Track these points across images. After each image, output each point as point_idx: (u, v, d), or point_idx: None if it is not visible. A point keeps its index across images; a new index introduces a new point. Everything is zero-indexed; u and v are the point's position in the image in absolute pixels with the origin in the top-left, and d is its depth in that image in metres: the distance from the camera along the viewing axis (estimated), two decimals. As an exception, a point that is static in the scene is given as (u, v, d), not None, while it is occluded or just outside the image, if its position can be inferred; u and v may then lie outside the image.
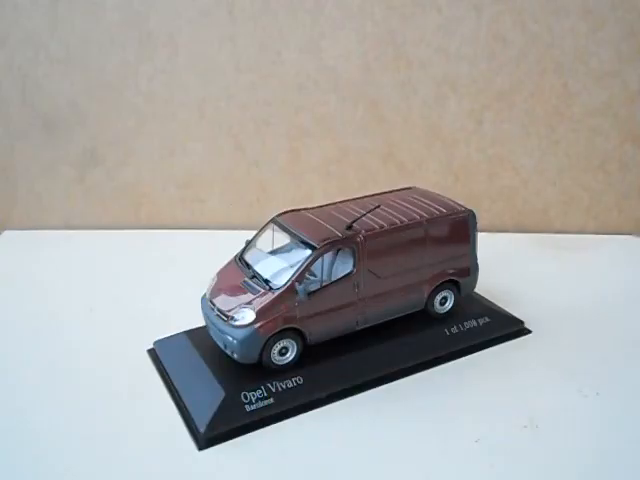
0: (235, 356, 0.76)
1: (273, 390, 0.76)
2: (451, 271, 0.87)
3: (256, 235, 0.87)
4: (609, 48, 1.23)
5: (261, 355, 0.75)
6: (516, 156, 1.31)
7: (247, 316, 0.74)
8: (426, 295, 0.86)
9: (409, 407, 0.78)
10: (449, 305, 0.90)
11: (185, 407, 0.75)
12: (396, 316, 0.85)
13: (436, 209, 0.86)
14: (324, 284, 0.77)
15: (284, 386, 0.77)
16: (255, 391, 0.75)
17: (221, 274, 0.84)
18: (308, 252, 0.76)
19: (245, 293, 0.77)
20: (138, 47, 1.27)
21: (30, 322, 0.99)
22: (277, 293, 0.74)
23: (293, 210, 0.87)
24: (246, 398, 0.74)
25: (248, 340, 0.74)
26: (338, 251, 0.79)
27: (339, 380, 0.80)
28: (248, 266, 0.81)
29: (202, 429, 0.70)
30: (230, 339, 0.75)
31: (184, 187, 1.36)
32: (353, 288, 0.79)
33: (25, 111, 1.32)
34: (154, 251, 1.26)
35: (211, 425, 0.70)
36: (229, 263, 0.85)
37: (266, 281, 0.77)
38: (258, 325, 0.73)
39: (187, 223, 1.38)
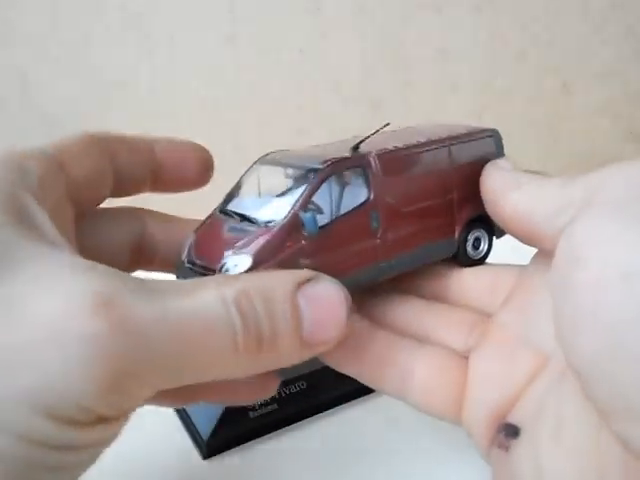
0: None
1: (276, 395, 0.75)
2: (483, 205, 0.68)
3: (238, 183, 0.70)
4: (609, 48, 1.23)
5: None
6: (516, 156, 1.31)
7: (241, 262, 0.56)
8: (457, 235, 0.69)
9: (410, 407, 0.78)
10: (484, 248, 0.72)
11: (187, 415, 0.75)
12: (425, 262, 0.68)
13: (457, 129, 0.70)
14: (335, 217, 0.60)
15: (287, 391, 0.76)
16: (258, 397, 0.75)
17: (200, 231, 0.65)
18: (311, 177, 0.60)
19: (235, 239, 0.60)
20: (138, 47, 1.27)
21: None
22: (277, 228, 0.56)
23: (281, 150, 0.70)
24: (249, 404, 0.74)
25: None
26: (344, 185, 0.62)
27: (342, 383, 0.79)
28: (234, 215, 0.63)
29: (206, 437, 0.70)
30: None
31: (184, 187, 1.36)
32: (370, 222, 0.62)
33: (25, 111, 1.32)
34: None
35: (215, 433, 0.70)
36: (208, 218, 0.66)
37: (260, 221, 0.58)
38: (259, 269, 0.56)
39: (187, 223, 1.38)
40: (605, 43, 1.23)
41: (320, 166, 0.58)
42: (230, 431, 0.71)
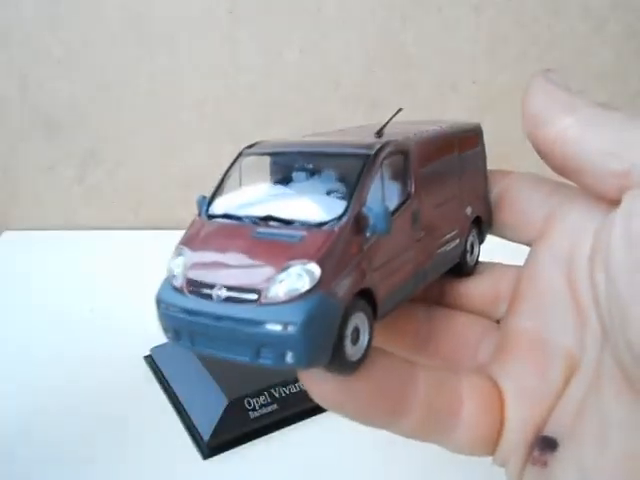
0: (291, 360, 0.38)
1: (277, 395, 0.75)
2: (477, 205, 0.60)
3: (222, 183, 0.50)
4: (609, 48, 1.23)
5: (337, 344, 0.40)
6: (516, 156, 1.31)
7: (306, 274, 0.39)
8: (464, 239, 0.59)
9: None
10: (477, 253, 0.62)
11: (187, 415, 0.75)
12: (444, 270, 0.57)
13: (446, 123, 0.60)
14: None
15: (288, 391, 0.76)
16: (259, 397, 0.74)
17: (193, 243, 0.46)
18: (355, 164, 0.44)
19: (271, 247, 0.41)
20: (138, 47, 1.26)
21: (29, 322, 0.99)
22: (338, 226, 0.41)
23: (264, 141, 0.52)
24: (250, 404, 0.73)
25: (319, 316, 0.38)
26: (389, 175, 0.49)
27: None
28: (238, 218, 0.45)
29: (206, 437, 0.70)
30: (277, 329, 0.38)
31: (184, 187, 1.36)
32: (413, 224, 0.50)
33: (25, 111, 1.31)
34: (154, 251, 1.26)
35: (215, 433, 0.70)
36: (194, 227, 0.48)
37: (302, 221, 0.42)
38: (330, 285, 0.39)
39: (187, 223, 1.38)
40: (605, 43, 1.23)
41: (367, 151, 0.45)
42: (230, 431, 0.71)
